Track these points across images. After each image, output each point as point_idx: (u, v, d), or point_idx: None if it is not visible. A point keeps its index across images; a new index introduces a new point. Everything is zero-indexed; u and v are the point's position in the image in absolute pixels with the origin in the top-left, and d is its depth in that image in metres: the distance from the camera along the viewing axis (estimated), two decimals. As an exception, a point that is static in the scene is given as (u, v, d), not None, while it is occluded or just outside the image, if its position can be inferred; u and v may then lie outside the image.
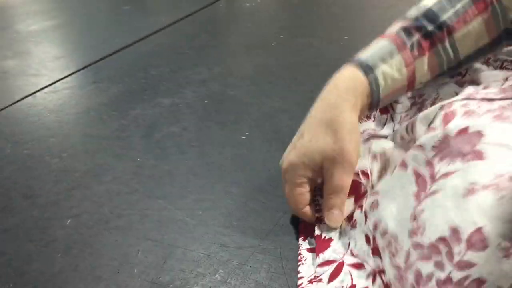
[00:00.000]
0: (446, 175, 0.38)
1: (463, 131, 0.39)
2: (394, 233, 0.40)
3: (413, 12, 0.55)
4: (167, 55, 1.05)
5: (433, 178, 0.39)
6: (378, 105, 0.53)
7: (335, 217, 0.49)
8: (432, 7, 0.53)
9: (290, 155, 0.51)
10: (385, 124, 0.63)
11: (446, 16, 0.52)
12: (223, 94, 0.83)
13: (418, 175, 0.41)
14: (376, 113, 0.65)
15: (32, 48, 1.19)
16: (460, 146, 0.38)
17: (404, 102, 0.63)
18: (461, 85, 0.56)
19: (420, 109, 0.58)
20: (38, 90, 0.92)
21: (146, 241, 0.52)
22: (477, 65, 0.60)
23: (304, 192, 0.51)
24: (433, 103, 0.55)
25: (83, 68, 1.01)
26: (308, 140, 0.50)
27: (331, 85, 0.53)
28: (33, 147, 0.72)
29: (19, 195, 0.61)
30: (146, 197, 0.59)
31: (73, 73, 0.99)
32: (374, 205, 0.45)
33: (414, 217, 0.39)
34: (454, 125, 0.40)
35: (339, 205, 0.49)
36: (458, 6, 0.52)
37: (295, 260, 0.48)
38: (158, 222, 0.55)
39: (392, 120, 0.62)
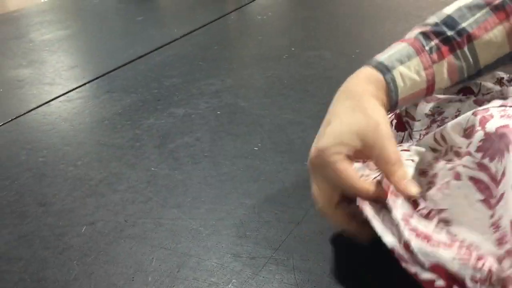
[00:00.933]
0: (503, 174, 0.37)
1: (504, 127, 0.38)
2: (477, 245, 0.39)
3: (432, 19, 0.55)
4: (180, 66, 1.06)
5: (495, 181, 0.39)
6: (395, 106, 0.52)
7: (411, 185, 0.45)
8: (451, 14, 0.53)
9: (321, 142, 0.46)
10: (401, 142, 0.62)
11: (466, 23, 0.52)
12: (236, 106, 0.84)
13: (476, 181, 0.40)
14: (392, 129, 0.64)
15: (47, 57, 1.21)
16: (504, 139, 0.38)
17: (422, 120, 0.62)
18: (481, 104, 0.55)
19: (440, 126, 0.57)
20: (53, 99, 0.94)
21: (160, 250, 0.52)
22: (489, 84, 0.60)
23: (349, 167, 0.46)
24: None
25: (97, 78, 1.03)
26: (338, 123, 0.47)
27: (351, 78, 0.52)
28: (48, 155, 0.73)
29: (34, 202, 0.62)
30: (160, 206, 0.59)
31: (87, 82, 1.01)
32: (444, 223, 0.43)
33: (496, 226, 0.37)
34: (493, 124, 0.39)
35: (406, 173, 0.45)
36: (478, 14, 0.52)
37: (308, 271, 0.49)
38: (172, 231, 0.55)
39: (411, 138, 0.61)
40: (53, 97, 0.94)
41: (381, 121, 0.46)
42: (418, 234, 0.39)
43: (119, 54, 1.17)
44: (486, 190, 0.39)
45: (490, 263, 0.36)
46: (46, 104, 0.92)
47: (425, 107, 0.61)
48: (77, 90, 0.97)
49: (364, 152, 0.46)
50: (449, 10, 0.54)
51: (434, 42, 0.52)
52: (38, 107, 0.91)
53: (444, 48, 0.52)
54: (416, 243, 0.38)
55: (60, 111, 0.88)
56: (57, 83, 1.02)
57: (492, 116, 0.41)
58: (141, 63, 1.10)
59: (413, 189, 0.44)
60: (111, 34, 1.41)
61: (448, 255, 0.37)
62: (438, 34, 0.53)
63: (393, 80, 0.51)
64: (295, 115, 0.79)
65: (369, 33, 1.19)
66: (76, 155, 0.71)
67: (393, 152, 0.45)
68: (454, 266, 0.36)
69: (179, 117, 0.82)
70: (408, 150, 0.52)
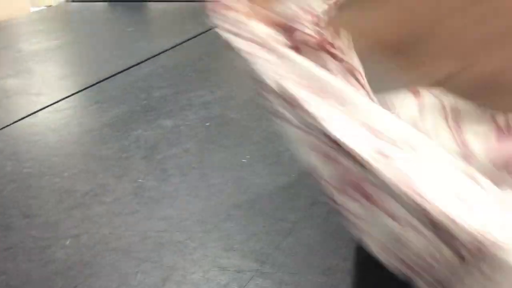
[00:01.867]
0: None
1: None
2: None
3: None
4: (169, 77, 1.06)
5: None
6: None
7: None
8: None
9: None
10: None
11: None
12: (225, 117, 0.84)
13: None
14: None
15: (35, 67, 1.20)
16: None
17: None
18: None
19: None
20: (40, 109, 0.93)
21: (146, 263, 0.52)
22: None
23: None
24: None
25: (85, 88, 1.02)
26: None
27: None
28: (34, 166, 0.72)
29: (19, 214, 0.61)
30: (146, 219, 0.59)
31: (75, 93, 1.00)
32: None
33: None
34: None
35: None
36: None
37: (295, 285, 0.48)
38: (158, 244, 0.54)
39: None
40: (40, 107, 0.93)
41: None
42: None
43: (109, 64, 1.16)
44: None
45: None
46: (33, 115, 0.91)
47: None
48: (65, 100, 0.97)
49: None
50: None
51: None
52: (25, 117, 0.90)
53: None
54: None
55: (48, 122, 0.87)
56: (45, 93, 1.01)
57: None
58: (130, 74, 1.10)
59: None
60: (101, 45, 1.40)
61: None
62: None
63: None
64: (284, 127, 0.79)
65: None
66: (62, 166, 0.70)
67: None
68: None
69: (168, 128, 0.81)
70: None
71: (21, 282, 0.49)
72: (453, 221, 0.29)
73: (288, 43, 0.40)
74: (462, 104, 0.42)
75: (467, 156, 0.40)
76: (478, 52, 0.40)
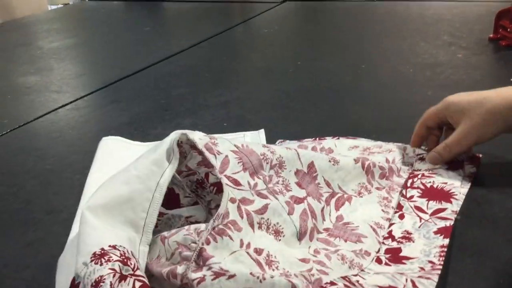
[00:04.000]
0: None
1: None
2: None
3: None
4: (187, 77, 1.07)
5: None
6: None
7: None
8: None
9: None
10: None
11: None
12: (242, 118, 0.85)
13: None
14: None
15: (54, 65, 1.22)
16: None
17: None
18: None
19: None
20: (60, 107, 0.94)
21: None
22: None
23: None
24: None
25: (104, 87, 1.03)
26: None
27: None
28: (54, 163, 0.74)
29: (40, 209, 0.62)
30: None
31: (94, 91, 1.01)
32: None
33: None
34: None
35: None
36: None
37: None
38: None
39: None
40: (60, 104, 0.95)
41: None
42: None
43: (126, 63, 1.17)
44: None
45: None
46: (53, 112, 0.92)
47: None
48: (84, 98, 0.98)
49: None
50: None
51: None
52: (45, 114, 0.91)
53: None
54: None
55: (68, 119, 0.89)
56: (65, 91, 1.03)
57: None
58: (148, 73, 1.11)
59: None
60: (119, 43, 1.42)
61: None
62: None
63: None
64: (301, 127, 0.80)
65: (374, 48, 1.20)
66: (83, 163, 0.72)
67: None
68: None
69: (186, 127, 0.81)
70: None
71: (45, 276, 0.50)
72: None
73: None
74: None
75: None
76: None
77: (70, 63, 1.24)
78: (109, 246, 0.39)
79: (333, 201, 0.52)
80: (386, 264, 0.44)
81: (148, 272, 0.42)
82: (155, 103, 0.93)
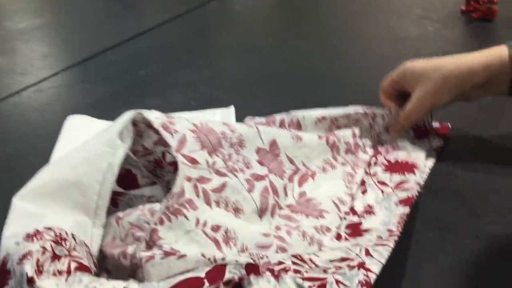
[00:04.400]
0: None
1: None
2: None
3: None
4: (155, 56, 1.04)
5: None
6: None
7: None
8: None
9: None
10: None
11: None
12: (211, 97, 0.83)
13: None
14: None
15: (20, 46, 1.18)
16: None
17: None
18: None
19: None
20: (24, 89, 0.91)
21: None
22: None
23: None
24: None
25: (70, 67, 1.00)
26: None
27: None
28: (16, 146, 0.71)
29: (1, 195, 0.60)
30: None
31: (60, 71, 0.98)
32: None
33: None
34: None
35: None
36: None
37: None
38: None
39: None
40: (24, 86, 0.92)
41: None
42: None
43: (93, 43, 1.14)
44: None
45: None
46: (16, 94, 0.89)
47: None
48: (49, 79, 0.95)
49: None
50: None
51: None
52: (8, 96, 0.89)
53: None
54: None
55: (31, 101, 0.86)
56: (29, 72, 1.00)
57: None
58: (115, 52, 1.08)
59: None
60: (86, 23, 1.38)
61: None
62: None
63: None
64: (271, 105, 0.78)
65: (351, 28, 1.18)
66: (46, 146, 0.70)
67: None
68: None
69: (153, 108, 0.80)
70: None
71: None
72: None
73: None
74: None
75: None
76: None
77: (36, 44, 1.20)
78: (45, 227, 0.38)
79: (296, 177, 0.51)
80: (345, 239, 0.44)
81: (103, 254, 0.41)
82: (121, 84, 0.90)
